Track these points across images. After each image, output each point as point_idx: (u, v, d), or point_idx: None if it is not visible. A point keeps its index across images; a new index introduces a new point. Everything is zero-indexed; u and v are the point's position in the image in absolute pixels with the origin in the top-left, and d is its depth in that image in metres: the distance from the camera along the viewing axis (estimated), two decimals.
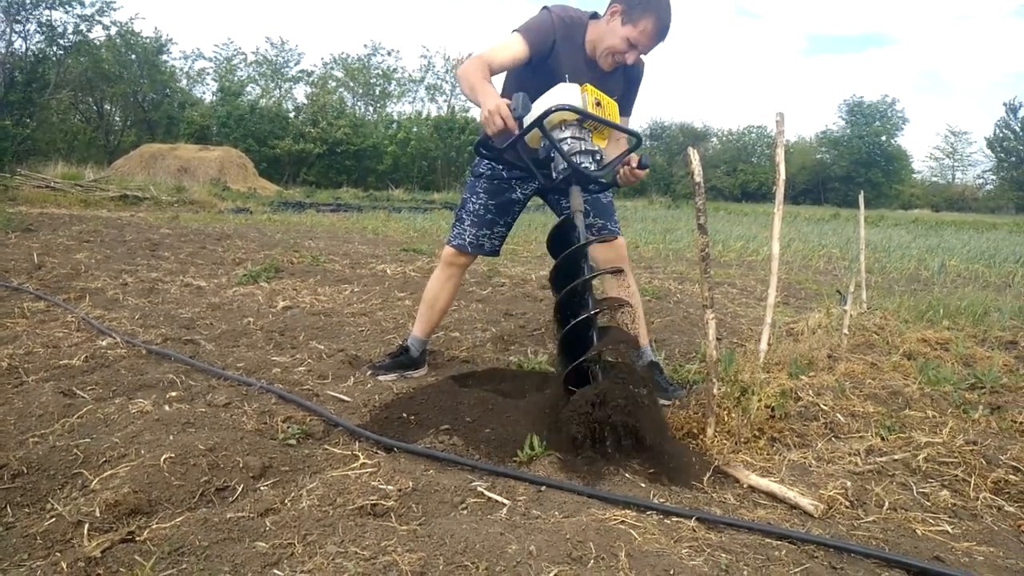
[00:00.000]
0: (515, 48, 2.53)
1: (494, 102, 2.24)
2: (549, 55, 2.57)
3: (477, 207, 2.87)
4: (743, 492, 2.01)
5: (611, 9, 2.54)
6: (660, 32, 2.52)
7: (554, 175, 2.41)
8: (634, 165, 2.55)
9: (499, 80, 2.67)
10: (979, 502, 1.99)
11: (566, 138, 2.33)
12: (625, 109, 2.78)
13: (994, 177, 53.58)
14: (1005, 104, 50.52)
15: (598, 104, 2.34)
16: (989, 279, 7.75)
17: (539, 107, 2.32)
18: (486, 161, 2.86)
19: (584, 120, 2.35)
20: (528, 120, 2.29)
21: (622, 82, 2.70)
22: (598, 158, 2.38)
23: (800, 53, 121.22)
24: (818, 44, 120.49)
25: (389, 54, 57.63)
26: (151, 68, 35.55)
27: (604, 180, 2.54)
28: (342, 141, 34.93)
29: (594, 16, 2.63)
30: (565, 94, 2.32)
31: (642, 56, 2.62)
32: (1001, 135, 50.03)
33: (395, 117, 42.53)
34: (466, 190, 2.94)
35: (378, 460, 2.04)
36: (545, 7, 2.62)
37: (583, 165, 2.33)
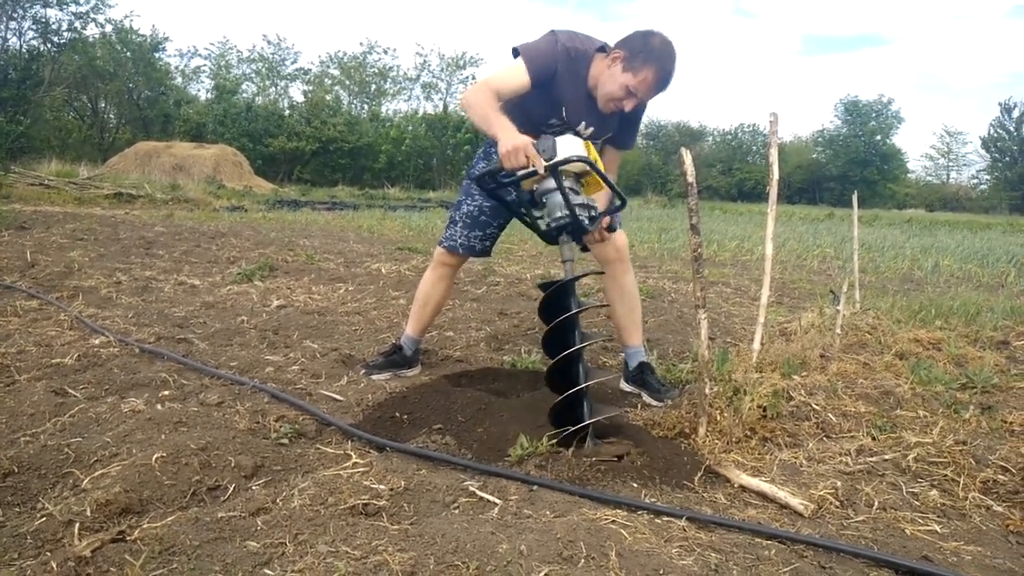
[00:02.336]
0: (519, 78, 2.47)
1: (514, 140, 2.20)
2: (550, 82, 2.52)
3: (471, 209, 2.87)
4: (734, 492, 2.02)
5: (613, 54, 2.49)
6: (661, 83, 2.48)
7: (547, 222, 2.37)
8: (605, 226, 2.58)
9: None
10: (968, 502, 2.00)
11: (567, 188, 2.28)
12: (626, 142, 2.79)
13: (988, 177, 53.78)
14: (1000, 104, 50.74)
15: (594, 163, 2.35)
16: (982, 279, 7.78)
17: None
18: (483, 163, 2.87)
19: (582, 176, 2.37)
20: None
21: (619, 117, 2.64)
22: (592, 213, 2.36)
23: (796, 53, 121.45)
24: (814, 44, 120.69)
25: (385, 52, 57.61)
26: (146, 66, 35.42)
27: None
28: (336, 139, 34.89)
29: (601, 49, 2.57)
30: (571, 145, 2.28)
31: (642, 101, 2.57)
32: (996, 135, 50.23)
33: (391, 116, 42.50)
34: (461, 192, 2.94)
35: (370, 459, 2.05)
36: (552, 31, 2.56)
37: (581, 217, 2.30)
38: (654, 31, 2.49)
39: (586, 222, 2.32)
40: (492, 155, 2.82)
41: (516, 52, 2.52)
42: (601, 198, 2.57)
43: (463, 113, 39.45)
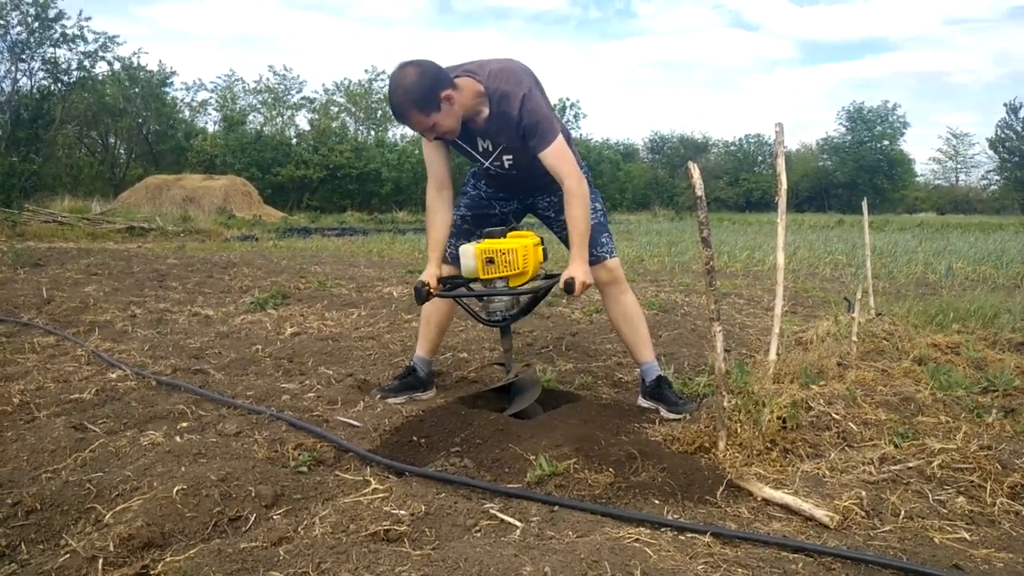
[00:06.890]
0: (427, 150, 2.76)
1: (422, 278, 2.71)
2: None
3: (455, 219, 2.95)
4: (757, 505, 2.00)
5: None
6: (398, 117, 2.55)
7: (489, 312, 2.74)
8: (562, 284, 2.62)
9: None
10: (996, 508, 1.97)
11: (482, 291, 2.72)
12: (538, 146, 2.57)
13: (998, 178, 53.44)
14: (1006, 104, 50.29)
15: (490, 261, 2.59)
16: (998, 281, 7.71)
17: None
18: (472, 181, 3.04)
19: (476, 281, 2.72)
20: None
21: (505, 131, 2.62)
22: (499, 316, 2.71)
23: (797, 62, 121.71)
24: (815, 52, 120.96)
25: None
26: (155, 100, 35.88)
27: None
28: (343, 165, 35.13)
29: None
30: (463, 256, 2.67)
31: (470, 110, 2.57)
32: (1003, 136, 49.90)
33: (398, 141, 42.69)
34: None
35: (390, 485, 2.04)
36: None
37: (495, 317, 2.72)
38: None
39: (495, 317, 2.71)
40: (478, 175, 3.02)
41: None
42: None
43: None
